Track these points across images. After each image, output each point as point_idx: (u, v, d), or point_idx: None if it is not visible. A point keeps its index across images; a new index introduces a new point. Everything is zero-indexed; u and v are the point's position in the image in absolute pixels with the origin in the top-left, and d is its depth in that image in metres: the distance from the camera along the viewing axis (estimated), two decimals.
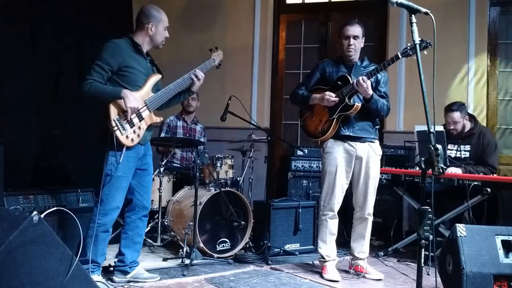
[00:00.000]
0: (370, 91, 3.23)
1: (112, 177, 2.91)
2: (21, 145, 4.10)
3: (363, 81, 3.18)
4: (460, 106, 4.14)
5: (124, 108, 2.86)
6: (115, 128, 2.84)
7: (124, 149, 2.90)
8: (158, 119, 3.11)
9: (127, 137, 2.90)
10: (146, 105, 2.99)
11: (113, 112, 2.86)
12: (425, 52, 2.61)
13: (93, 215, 2.94)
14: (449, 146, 4.19)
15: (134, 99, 2.89)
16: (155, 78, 3.10)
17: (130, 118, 2.90)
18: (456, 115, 4.08)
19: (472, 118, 4.24)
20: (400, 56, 3.09)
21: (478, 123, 4.27)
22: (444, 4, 4.97)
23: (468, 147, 4.13)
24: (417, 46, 2.22)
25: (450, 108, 4.13)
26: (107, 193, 2.92)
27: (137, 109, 2.91)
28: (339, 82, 3.37)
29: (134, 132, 2.94)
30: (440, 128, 3.94)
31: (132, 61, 2.98)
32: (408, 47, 3.00)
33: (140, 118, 2.96)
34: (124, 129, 2.89)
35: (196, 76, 3.15)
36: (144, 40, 3.07)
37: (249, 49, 5.68)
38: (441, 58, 4.78)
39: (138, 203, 3.14)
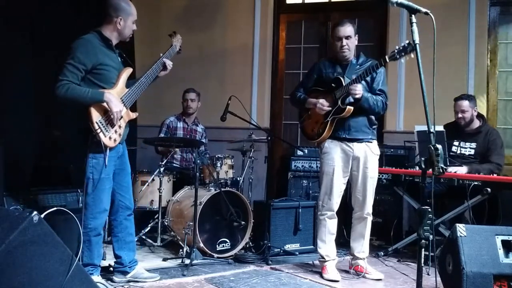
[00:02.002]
0: (359, 93, 3.24)
1: (95, 180, 2.82)
2: (21, 145, 4.10)
3: (354, 86, 3.22)
4: (469, 96, 4.21)
5: (108, 109, 2.77)
6: (99, 130, 2.75)
7: (108, 150, 2.82)
8: (134, 115, 3.06)
9: (110, 138, 2.82)
10: (123, 102, 2.91)
11: (95, 114, 2.75)
12: (412, 56, 2.54)
13: (82, 220, 2.84)
14: (454, 142, 4.19)
15: (118, 102, 2.82)
16: (127, 72, 3.00)
17: (111, 119, 2.81)
18: (465, 103, 4.10)
19: (481, 117, 4.26)
20: (387, 60, 3.08)
21: (487, 123, 4.28)
22: (444, 4, 4.97)
23: (474, 145, 4.13)
24: (417, 46, 2.21)
25: (459, 97, 4.18)
26: (92, 197, 2.84)
27: (122, 111, 2.84)
28: (333, 85, 3.39)
29: (116, 132, 2.87)
30: (440, 128, 3.94)
31: (105, 58, 2.87)
32: (396, 51, 2.96)
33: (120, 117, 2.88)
34: (107, 131, 2.80)
35: (168, 64, 3.13)
36: (112, 34, 2.94)
37: (249, 49, 5.68)
38: (441, 58, 4.78)
39: (121, 204, 3.06)
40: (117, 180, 3.02)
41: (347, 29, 3.37)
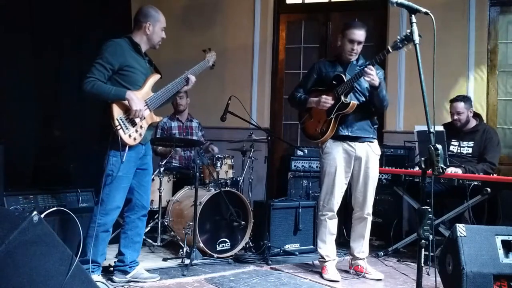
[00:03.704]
0: (377, 78, 3.23)
1: (113, 177, 2.91)
2: (21, 145, 4.10)
3: (370, 69, 3.17)
4: (464, 97, 4.22)
5: (129, 108, 2.87)
6: (119, 127, 2.84)
7: (127, 148, 2.90)
8: (158, 119, 3.13)
9: (129, 136, 2.91)
10: (146, 104, 3.00)
11: (116, 111, 2.87)
12: (416, 42, 2.50)
13: (93, 215, 2.94)
14: (453, 142, 4.20)
15: (138, 100, 2.90)
16: (155, 77, 3.12)
17: (133, 118, 2.91)
18: (460, 105, 4.12)
19: (477, 116, 4.28)
20: (390, 50, 3.08)
21: (483, 121, 4.31)
22: (444, 4, 4.97)
23: (471, 143, 4.14)
24: (417, 46, 2.21)
25: (454, 99, 4.20)
26: (107, 193, 2.93)
27: (142, 111, 2.91)
28: (333, 82, 3.38)
29: (136, 131, 2.95)
30: (440, 128, 3.95)
31: (133, 61, 2.99)
32: (398, 40, 2.98)
33: (142, 118, 2.97)
34: (127, 128, 2.90)
35: (190, 80, 3.19)
36: (142, 39, 3.08)
37: (249, 49, 5.68)
38: (441, 58, 4.79)
39: (138, 202, 3.14)
40: (137, 179, 3.11)
41: (363, 35, 3.34)
